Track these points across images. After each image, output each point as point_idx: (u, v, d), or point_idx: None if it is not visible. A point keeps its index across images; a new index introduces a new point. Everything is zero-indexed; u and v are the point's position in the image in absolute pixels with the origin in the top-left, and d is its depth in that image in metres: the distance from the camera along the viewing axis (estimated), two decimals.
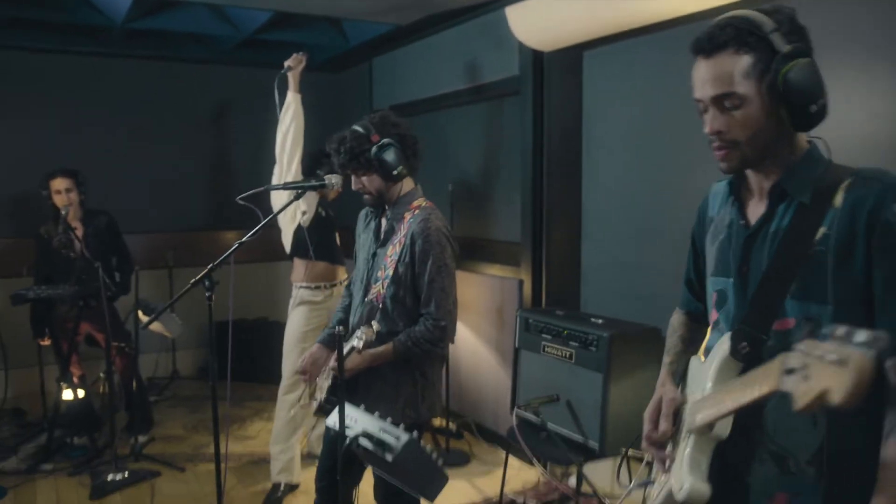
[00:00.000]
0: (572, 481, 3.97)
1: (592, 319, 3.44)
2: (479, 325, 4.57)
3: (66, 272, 4.45)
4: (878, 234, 1.30)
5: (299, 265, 4.03)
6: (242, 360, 5.76)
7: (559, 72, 3.93)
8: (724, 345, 1.47)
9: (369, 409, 2.23)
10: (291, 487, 3.88)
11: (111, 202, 5.17)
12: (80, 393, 4.49)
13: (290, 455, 3.88)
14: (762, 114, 1.38)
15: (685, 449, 1.48)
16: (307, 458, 4.11)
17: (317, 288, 4.01)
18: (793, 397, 1.07)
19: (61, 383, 4.43)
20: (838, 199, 1.36)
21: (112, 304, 4.42)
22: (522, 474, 4.11)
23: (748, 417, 1.41)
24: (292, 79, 3.99)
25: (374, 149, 2.50)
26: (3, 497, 3.84)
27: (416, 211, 2.60)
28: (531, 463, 4.15)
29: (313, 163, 4.03)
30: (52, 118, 5.54)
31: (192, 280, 2.67)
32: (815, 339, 1.07)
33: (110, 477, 3.99)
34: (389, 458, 1.88)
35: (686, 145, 3.42)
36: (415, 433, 1.96)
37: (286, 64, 3.97)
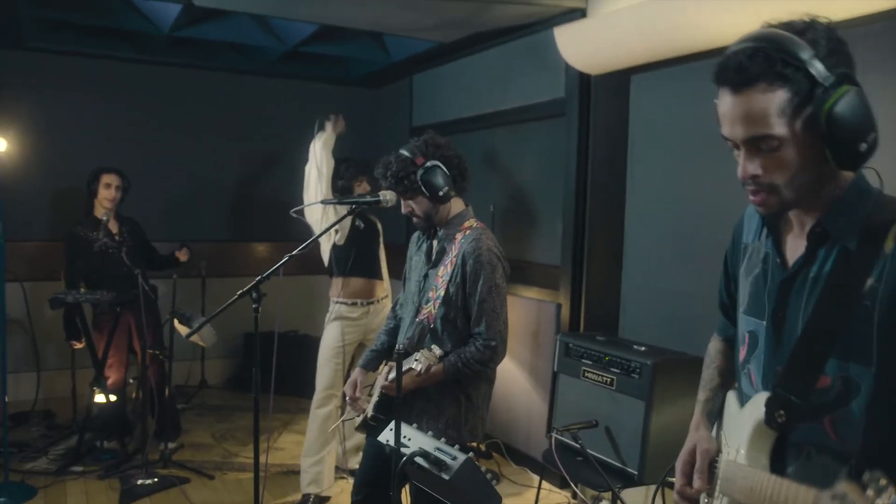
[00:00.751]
0: None
1: (635, 347, 3.40)
2: (514, 347, 4.55)
3: (104, 275, 4.48)
4: None
5: (336, 281, 4.06)
6: (270, 372, 5.78)
7: (606, 95, 3.92)
8: (758, 409, 1.34)
9: (412, 422, 2.25)
10: (321, 500, 3.87)
11: (146, 208, 5.24)
12: (112, 397, 4.50)
13: (321, 468, 3.87)
14: (802, 154, 1.22)
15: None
16: (338, 471, 4.10)
17: (353, 304, 4.03)
18: None
19: (94, 388, 4.44)
20: (889, 245, 1.20)
21: (153, 311, 4.45)
22: (552, 497, 4.07)
23: None
24: (328, 135, 4.11)
25: (419, 172, 2.53)
26: (32, 497, 3.86)
27: (468, 231, 2.62)
28: (561, 487, 4.11)
29: (334, 175, 4.04)
30: (92, 123, 5.60)
31: (240, 291, 2.68)
32: (857, 485, 0.93)
33: (140, 482, 4.01)
34: (446, 476, 1.86)
35: (730, 173, 3.38)
36: (471, 453, 1.94)
37: (326, 124, 4.08)
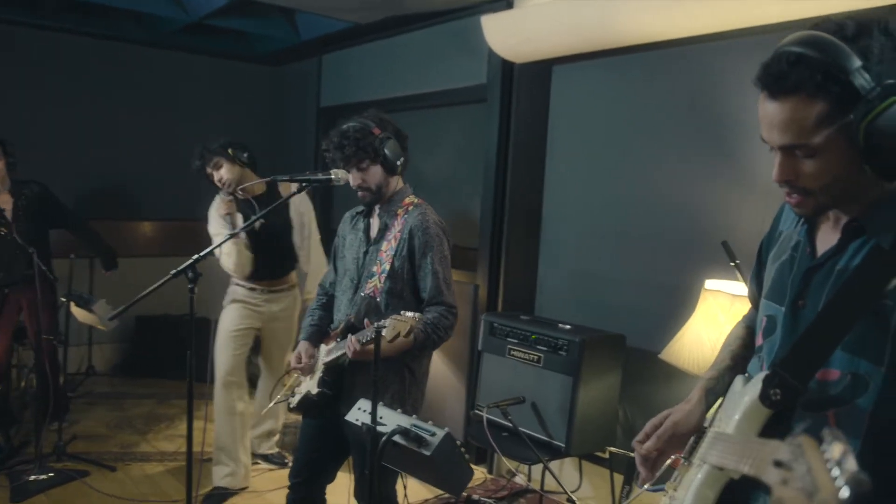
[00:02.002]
0: (518, 479, 4.07)
1: (560, 325, 3.54)
2: None
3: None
4: None
5: None
6: (166, 356, 5.55)
7: (528, 84, 4.02)
8: (755, 386, 1.33)
9: (358, 397, 2.32)
10: (237, 491, 3.75)
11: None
12: None
13: (236, 465, 3.74)
14: (840, 164, 1.20)
15: (696, 475, 1.42)
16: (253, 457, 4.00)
17: (252, 290, 3.82)
18: (771, 492, 0.95)
19: None
20: None
21: (50, 293, 4.12)
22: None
23: None
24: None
25: (377, 141, 2.55)
26: None
27: (410, 207, 2.66)
28: (475, 463, 4.21)
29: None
30: None
31: (174, 271, 2.55)
32: (813, 439, 0.91)
33: (33, 477, 3.73)
34: (427, 453, 1.88)
35: (645, 164, 3.61)
36: (447, 428, 1.97)
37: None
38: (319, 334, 2.80)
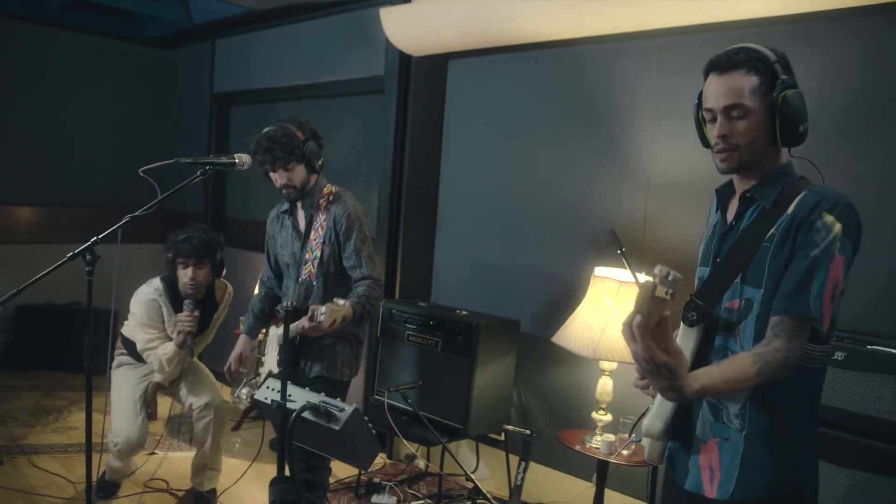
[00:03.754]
0: (418, 464, 4.20)
1: (457, 311, 3.69)
2: None
3: None
4: (803, 231, 1.59)
5: None
6: (50, 347, 5.34)
7: (424, 76, 4.14)
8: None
9: (314, 366, 2.84)
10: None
11: None
12: None
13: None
14: (761, 126, 1.64)
15: (659, 395, 1.74)
16: None
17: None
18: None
19: None
20: (791, 207, 1.63)
21: None
22: None
23: None
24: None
25: (302, 144, 2.85)
26: None
27: (330, 196, 2.97)
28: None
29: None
30: None
31: (71, 253, 2.52)
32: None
33: None
34: (336, 427, 1.96)
35: (536, 156, 3.80)
36: (355, 405, 2.06)
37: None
38: (259, 326, 3.16)
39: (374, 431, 2.10)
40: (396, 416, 3.60)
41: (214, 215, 5.64)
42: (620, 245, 2.98)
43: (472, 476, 3.39)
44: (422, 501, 3.70)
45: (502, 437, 3.81)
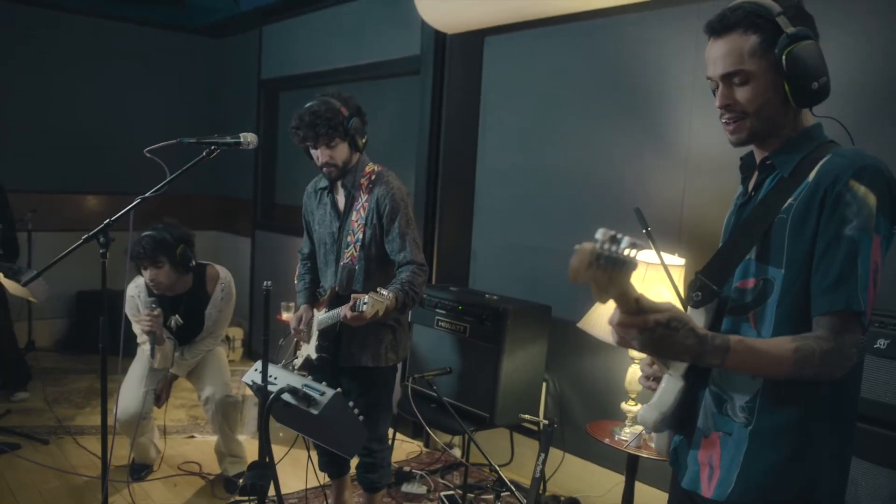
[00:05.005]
0: (455, 452, 4.11)
1: (487, 296, 3.57)
2: None
3: None
4: (830, 204, 1.38)
5: None
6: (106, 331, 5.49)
7: (460, 55, 4.02)
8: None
9: (357, 356, 2.74)
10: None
11: None
12: None
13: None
14: (768, 89, 1.46)
15: (663, 383, 1.61)
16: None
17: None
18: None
19: None
20: (812, 175, 1.44)
21: None
22: (406, 447, 4.20)
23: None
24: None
25: (346, 121, 2.71)
26: None
27: (373, 176, 2.84)
28: (413, 437, 4.24)
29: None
30: None
31: (86, 235, 2.56)
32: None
33: None
34: (315, 412, 1.89)
35: (571, 134, 3.62)
36: (339, 389, 1.99)
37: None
38: (313, 297, 3.03)
39: (360, 418, 2.01)
40: (426, 403, 3.52)
41: (265, 201, 5.68)
42: (646, 224, 2.80)
43: (497, 466, 3.26)
44: (450, 491, 3.61)
45: (539, 428, 3.68)
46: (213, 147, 2.57)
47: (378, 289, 2.54)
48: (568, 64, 3.65)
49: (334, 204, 2.89)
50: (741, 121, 1.50)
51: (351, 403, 2.00)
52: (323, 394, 1.92)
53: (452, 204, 4.15)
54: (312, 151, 2.78)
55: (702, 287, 1.54)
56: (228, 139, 2.57)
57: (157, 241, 3.30)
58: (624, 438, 2.95)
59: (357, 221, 2.79)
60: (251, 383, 2.07)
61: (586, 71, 3.57)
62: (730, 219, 1.67)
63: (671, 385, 1.60)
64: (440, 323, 3.61)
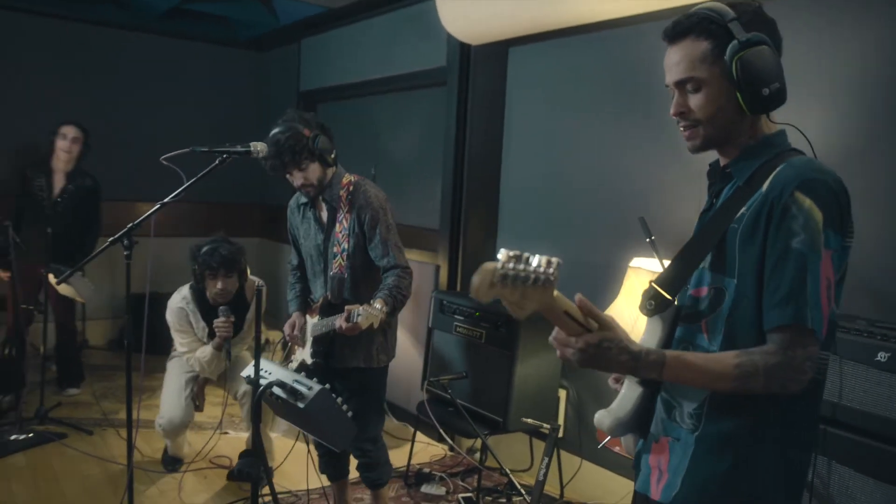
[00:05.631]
0: (476, 456, 4.17)
1: (503, 303, 3.63)
2: None
3: (36, 222, 4.61)
4: (776, 216, 1.38)
5: None
6: (155, 332, 5.75)
7: (485, 65, 4.10)
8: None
9: (350, 358, 2.84)
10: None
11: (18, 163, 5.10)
12: None
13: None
14: (720, 96, 1.45)
15: (623, 389, 1.64)
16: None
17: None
18: None
19: None
20: (766, 185, 1.43)
21: (27, 266, 4.39)
22: (430, 450, 4.28)
23: None
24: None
25: (310, 141, 2.78)
26: None
27: (350, 187, 2.92)
28: (439, 440, 4.32)
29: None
30: None
31: (111, 238, 2.75)
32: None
33: (13, 437, 3.96)
34: (301, 405, 2.00)
35: (598, 145, 3.66)
36: (327, 385, 2.09)
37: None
38: (304, 305, 3.16)
39: (348, 414, 2.11)
40: (444, 407, 3.61)
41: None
42: (649, 233, 2.85)
43: (508, 470, 3.32)
44: (468, 494, 3.67)
45: (560, 434, 3.72)
46: (224, 155, 2.71)
47: (371, 302, 2.66)
48: (590, 72, 3.69)
49: (317, 218, 3.00)
50: (695, 128, 1.51)
51: (339, 399, 2.11)
52: (310, 388, 2.03)
53: (477, 212, 4.23)
54: (287, 177, 2.87)
55: (655, 296, 1.54)
56: (239, 148, 2.70)
57: (232, 252, 3.53)
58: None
59: (341, 233, 2.90)
60: (244, 376, 2.20)
61: (609, 79, 3.61)
62: (696, 227, 1.66)
63: (630, 391, 1.63)
64: (458, 329, 3.69)
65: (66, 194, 4.69)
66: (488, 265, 1.21)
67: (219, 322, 3.52)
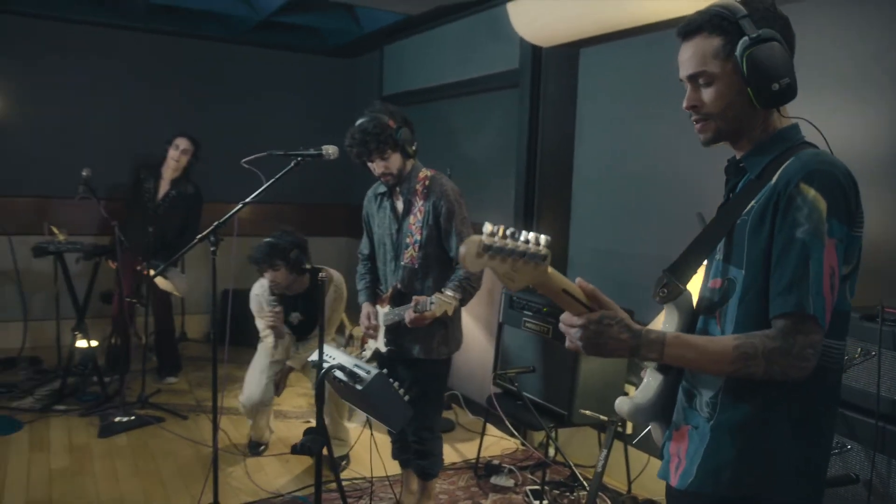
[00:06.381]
0: (551, 451, 4.24)
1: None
2: (471, 303, 4.82)
3: (139, 222, 5.04)
4: (782, 208, 1.42)
5: None
6: (246, 327, 6.07)
7: (556, 67, 4.18)
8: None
9: (410, 349, 2.98)
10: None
11: (119, 168, 5.56)
12: (94, 342, 4.83)
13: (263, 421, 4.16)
14: (731, 91, 1.50)
15: (646, 378, 1.70)
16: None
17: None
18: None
19: (76, 332, 4.74)
20: (775, 178, 1.47)
21: (131, 262, 4.78)
22: (503, 443, 4.38)
23: None
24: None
25: (394, 132, 2.94)
26: (19, 429, 4.18)
27: (427, 181, 3.05)
28: (511, 434, 4.42)
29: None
30: (76, 86, 5.82)
31: (200, 236, 2.99)
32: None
33: (118, 419, 4.32)
34: (360, 387, 2.15)
35: (670, 143, 3.67)
36: (385, 370, 2.24)
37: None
38: (374, 295, 3.31)
39: (405, 398, 2.24)
40: (513, 401, 3.70)
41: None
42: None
43: (572, 463, 3.38)
44: (535, 486, 3.75)
45: (629, 430, 3.74)
46: (298, 158, 2.91)
47: (443, 290, 2.76)
48: (660, 71, 3.70)
49: (393, 208, 3.13)
50: (707, 121, 1.56)
51: (396, 384, 2.25)
52: (368, 373, 2.18)
53: (550, 211, 4.31)
54: (369, 164, 3.01)
55: (667, 284, 1.59)
56: (312, 151, 2.90)
57: (272, 247, 3.71)
58: None
59: (415, 224, 3.02)
60: (309, 360, 2.37)
61: (676, 77, 3.60)
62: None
63: (652, 378, 1.68)
64: (527, 324, 3.78)
65: (168, 199, 5.10)
66: (474, 237, 1.30)
67: (264, 312, 3.83)
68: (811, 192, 1.40)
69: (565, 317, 1.47)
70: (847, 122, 2.75)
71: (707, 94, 1.53)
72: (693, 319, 1.63)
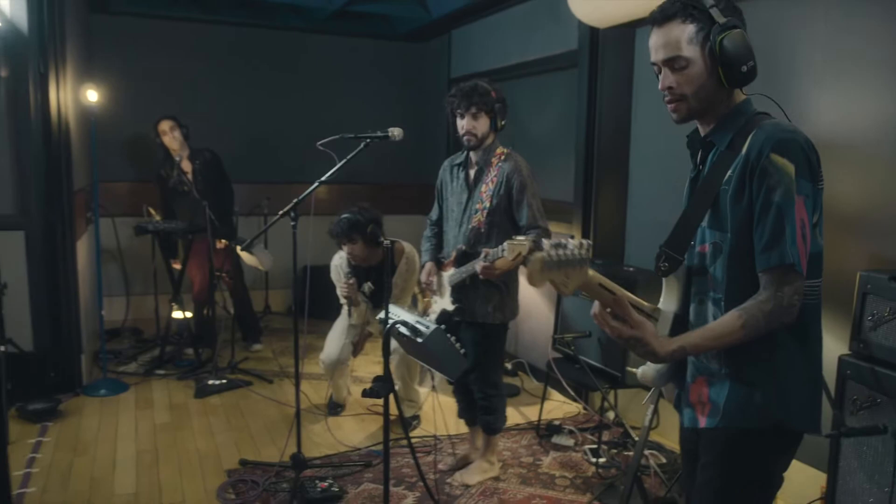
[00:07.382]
0: (610, 415, 4.44)
1: (625, 268, 3.89)
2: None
3: (179, 207, 5.31)
4: (757, 176, 1.61)
5: None
6: (326, 300, 6.45)
7: (613, 47, 4.33)
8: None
9: (470, 312, 3.24)
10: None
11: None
12: (188, 314, 5.29)
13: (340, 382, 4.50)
14: (704, 72, 1.66)
15: None
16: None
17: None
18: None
19: (173, 304, 5.21)
20: (745, 148, 1.65)
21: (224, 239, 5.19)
22: (565, 407, 4.61)
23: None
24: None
25: (494, 100, 3.26)
26: (125, 391, 4.67)
27: (503, 156, 3.32)
28: (571, 397, 4.64)
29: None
30: (169, 77, 6.32)
31: (281, 211, 3.31)
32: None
33: (211, 382, 4.75)
34: (420, 340, 2.43)
35: None
36: (443, 326, 2.51)
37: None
38: (436, 256, 3.58)
39: (461, 351, 2.51)
40: (571, 365, 3.93)
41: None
42: None
43: (623, 420, 3.58)
44: (593, 446, 3.97)
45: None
46: (367, 140, 3.18)
47: (514, 236, 2.94)
48: None
49: (467, 176, 3.39)
50: (680, 101, 1.72)
51: (454, 338, 2.51)
52: (427, 328, 2.45)
53: (608, 187, 4.48)
54: (458, 121, 3.27)
55: (667, 258, 1.77)
56: (378, 133, 3.17)
57: (350, 221, 4.00)
58: None
59: (486, 192, 3.27)
60: (379, 319, 2.66)
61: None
62: (686, 192, 1.90)
63: None
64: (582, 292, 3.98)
65: (197, 172, 5.24)
66: (536, 255, 1.52)
67: (341, 282, 4.19)
68: (780, 160, 1.59)
69: (598, 311, 1.67)
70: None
71: (682, 76, 1.68)
72: (688, 285, 1.82)
